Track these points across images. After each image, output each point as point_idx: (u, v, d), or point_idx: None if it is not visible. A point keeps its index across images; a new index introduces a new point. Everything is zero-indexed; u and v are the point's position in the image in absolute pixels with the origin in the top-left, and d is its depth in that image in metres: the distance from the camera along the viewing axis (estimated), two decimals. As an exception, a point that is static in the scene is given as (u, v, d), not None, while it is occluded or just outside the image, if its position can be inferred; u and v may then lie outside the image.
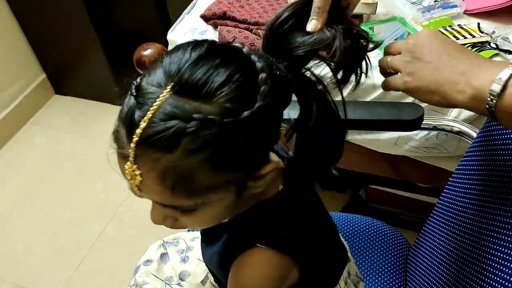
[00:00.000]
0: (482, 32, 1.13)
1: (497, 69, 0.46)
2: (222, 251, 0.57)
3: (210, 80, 0.41)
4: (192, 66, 0.42)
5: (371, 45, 0.51)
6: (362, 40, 0.50)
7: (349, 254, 0.70)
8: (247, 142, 0.43)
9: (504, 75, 0.45)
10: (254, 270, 0.52)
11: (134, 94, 0.42)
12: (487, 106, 0.46)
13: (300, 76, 0.48)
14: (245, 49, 0.46)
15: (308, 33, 0.47)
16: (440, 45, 0.52)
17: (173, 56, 0.44)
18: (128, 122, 0.42)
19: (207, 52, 0.44)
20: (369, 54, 0.52)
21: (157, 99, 0.40)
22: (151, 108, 0.40)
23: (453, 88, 0.49)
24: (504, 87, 0.45)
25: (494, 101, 0.46)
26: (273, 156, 0.53)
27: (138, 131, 0.40)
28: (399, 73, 0.55)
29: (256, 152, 0.46)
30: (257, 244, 0.51)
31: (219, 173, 0.43)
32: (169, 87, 0.41)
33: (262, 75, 0.44)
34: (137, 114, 0.41)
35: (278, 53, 0.48)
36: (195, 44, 0.45)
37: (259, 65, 0.44)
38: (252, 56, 0.46)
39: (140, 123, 0.40)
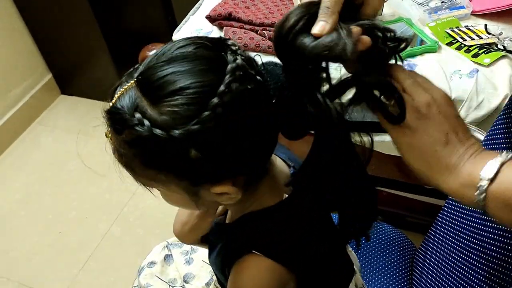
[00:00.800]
0: (489, 33, 1.12)
1: (491, 157, 0.42)
2: (222, 253, 0.58)
3: (165, 85, 0.42)
4: (162, 65, 0.42)
5: (402, 44, 0.44)
6: (389, 39, 0.44)
7: (355, 266, 0.69)
8: (177, 155, 0.42)
9: (498, 159, 0.41)
10: (250, 276, 0.52)
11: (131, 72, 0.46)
12: (477, 193, 0.41)
13: (321, 107, 0.43)
14: (238, 61, 0.43)
15: (316, 37, 0.41)
16: (453, 118, 0.45)
17: (161, 49, 0.45)
18: (111, 93, 0.47)
19: (187, 55, 0.43)
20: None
21: (127, 85, 0.44)
22: (120, 90, 0.45)
23: (445, 169, 0.43)
24: (497, 173, 0.40)
25: (485, 187, 0.40)
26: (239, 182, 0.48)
27: (110, 102, 0.45)
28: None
29: (192, 166, 0.43)
30: (253, 251, 0.51)
31: (151, 169, 0.45)
32: (135, 79, 0.44)
33: (214, 100, 0.40)
34: (117, 89, 0.46)
35: (289, 60, 0.43)
36: (186, 43, 0.44)
37: (221, 88, 0.41)
38: (228, 78, 0.42)
39: (113, 98, 0.45)
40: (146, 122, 0.41)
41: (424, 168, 0.45)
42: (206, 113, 0.40)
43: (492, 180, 0.40)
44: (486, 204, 0.41)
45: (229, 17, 1.17)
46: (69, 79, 2.08)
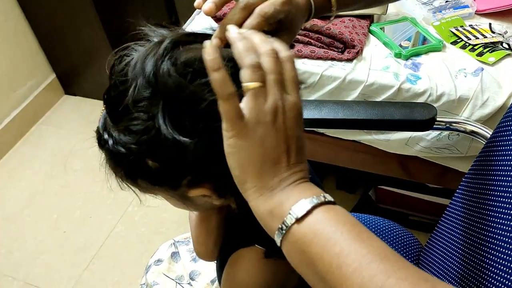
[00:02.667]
0: (493, 32, 1.13)
1: (308, 192, 0.39)
2: (223, 252, 0.58)
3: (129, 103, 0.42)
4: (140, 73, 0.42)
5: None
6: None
7: None
8: (142, 166, 0.45)
9: (312, 200, 0.38)
10: (245, 267, 0.53)
11: None
12: (279, 227, 0.38)
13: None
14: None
15: None
16: (293, 138, 0.40)
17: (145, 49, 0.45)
18: None
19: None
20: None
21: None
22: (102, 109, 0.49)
23: (262, 188, 0.40)
24: (308, 213, 0.38)
25: (291, 224, 0.38)
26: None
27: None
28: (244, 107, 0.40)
29: (157, 174, 0.45)
30: (249, 245, 0.52)
31: (129, 179, 0.48)
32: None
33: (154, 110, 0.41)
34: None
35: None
36: (171, 55, 0.42)
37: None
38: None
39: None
40: (110, 142, 0.44)
41: (242, 177, 0.40)
42: (149, 122, 0.41)
43: (299, 220, 0.37)
44: (283, 240, 0.38)
45: (234, 17, 1.17)
46: (73, 79, 2.08)
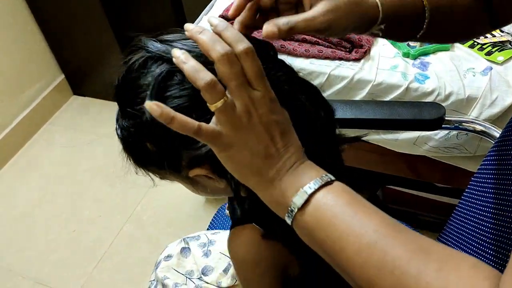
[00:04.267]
0: (502, 31, 1.12)
1: (306, 177, 0.41)
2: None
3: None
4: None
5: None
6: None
7: None
8: (143, 150, 0.48)
9: (309, 187, 0.40)
10: (243, 241, 0.53)
11: None
12: (287, 216, 0.41)
13: None
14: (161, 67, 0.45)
15: None
16: (273, 125, 0.41)
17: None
18: None
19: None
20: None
21: None
22: None
23: (265, 182, 0.42)
24: (307, 201, 0.40)
25: (294, 213, 0.40)
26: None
27: None
28: (216, 124, 0.41)
29: (159, 157, 0.48)
30: (251, 223, 0.53)
31: (138, 164, 0.51)
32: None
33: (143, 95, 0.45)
34: None
35: None
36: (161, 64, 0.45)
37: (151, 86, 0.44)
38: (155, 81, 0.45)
39: None
40: (119, 130, 0.49)
41: (243, 179, 0.43)
42: (138, 107, 0.45)
43: (300, 209, 0.40)
44: (293, 225, 0.42)
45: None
46: (81, 80, 2.10)
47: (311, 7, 0.44)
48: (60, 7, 1.78)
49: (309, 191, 0.40)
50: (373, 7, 0.48)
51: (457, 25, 0.60)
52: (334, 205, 0.40)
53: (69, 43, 1.93)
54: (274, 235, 0.52)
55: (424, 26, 0.54)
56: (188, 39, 0.44)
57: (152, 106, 0.38)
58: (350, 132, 0.62)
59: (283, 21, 0.43)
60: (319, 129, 0.50)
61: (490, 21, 0.60)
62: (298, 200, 0.40)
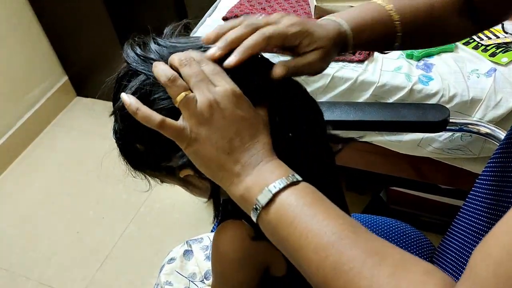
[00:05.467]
0: (506, 32, 1.12)
1: (273, 176, 0.42)
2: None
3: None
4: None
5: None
6: None
7: None
8: (134, 152, 0.50)
9: (274, 187, 0.41)
10: (228, 237, 0.53)
11: None
12: (252, 212, 0.42)
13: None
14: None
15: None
16: (238, 121, 0.42)
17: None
18: None
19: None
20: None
21: None
22: None
23: (231, 176, 0.43)
24: (272, 200, 0.41)
25: (259, 211, 0.41)
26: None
27: None
28: (182, 119, 0.43)
29: (149, 158, 0.49)
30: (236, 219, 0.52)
31: (134, 167, 0.52)
32: None
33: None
34: None
35: None
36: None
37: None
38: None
39: None
40: (112, 134, 0.50)
41: (210, 173, 0.44)
42: (124, 111, 0.45)
43: (264, 207, 0.41)
44: (258, 222, 0.42)
45: (246, 19, 1.18)
46: (85, 81, 2.10)
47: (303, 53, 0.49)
48: (63, 9, 1.79)
49: (274, 191, 0.41)
50: (348, 39, 0.54)
51: (434, 35, 0.62)
52: (296, 205, 0.40)
53: (73, 44, 1.94)
54: (262, 235, 0.51)
55: (396, 44, 0.58)
56: (184, 39, 0.49)
57: (124, 97, 0.43)
58: (353, 134, 0.62)
59: (291, 64, 0.48)
60: (307, 128, 0.50)
61: (474, 21, 0.61)
62: (262, 198, 0.41)
